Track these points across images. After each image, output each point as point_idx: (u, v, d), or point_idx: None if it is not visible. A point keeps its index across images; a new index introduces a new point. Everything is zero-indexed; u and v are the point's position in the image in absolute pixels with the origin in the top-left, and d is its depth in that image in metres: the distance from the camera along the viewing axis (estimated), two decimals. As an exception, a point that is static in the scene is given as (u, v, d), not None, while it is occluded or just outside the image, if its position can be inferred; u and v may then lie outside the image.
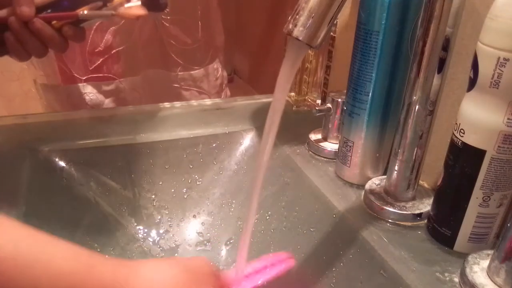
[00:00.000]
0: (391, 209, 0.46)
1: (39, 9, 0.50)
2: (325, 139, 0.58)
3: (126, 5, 0.52)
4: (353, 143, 0.51)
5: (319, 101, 0.68)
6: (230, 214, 0.60)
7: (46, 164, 0.56)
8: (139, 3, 0.52)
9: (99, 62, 0.75)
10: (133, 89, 0.80)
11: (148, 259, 0.33)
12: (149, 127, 0.64)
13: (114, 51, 0.75)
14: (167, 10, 0.74)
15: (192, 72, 0.84)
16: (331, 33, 0.63)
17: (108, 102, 0.78)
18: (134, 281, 0.30)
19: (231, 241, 0.58)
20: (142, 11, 0.52)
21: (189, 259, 0.35)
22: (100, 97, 0.78)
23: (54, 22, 0.51)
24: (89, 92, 0.77)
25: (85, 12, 0.51)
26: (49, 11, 0.51)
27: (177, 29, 0.79)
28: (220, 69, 0.90)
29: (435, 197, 0.43)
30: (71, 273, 0.28)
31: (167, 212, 0.60)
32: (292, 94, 0.69)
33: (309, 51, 0.65)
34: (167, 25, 0.78)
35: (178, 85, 0.84)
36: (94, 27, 0.71)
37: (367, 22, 0.45)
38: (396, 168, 0.46)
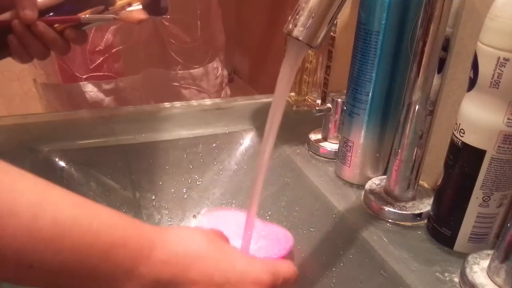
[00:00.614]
0: (391, 209, 0.46)
1: (42, 13, 0.50)
2: (325, 139, 0.58)
3: (128, 9, 0.52)
4: (353, 143, 0.51)
5: (319, 101, 0.68)
6: (230, 214, 0.60)
7: (46, 164, 0.56)
8: (141, 7, 0.53)
9: (99, 61, 0.75)
10: (133, 88, 0.80)
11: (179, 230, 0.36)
12: (149, 127, 0.64)
13: (114, 50, 0.75)
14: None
15: (191, 71, 0.84)
16: (331, 33, 0.63)
17: (108, 101, 0.78)
18: (168, 238, 0.33)
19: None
20: (143, 15, 0.52)
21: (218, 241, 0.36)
22: (100, 95, 0.78)
23: (56, 25, 0.51)
24: (90, 90, 0.77)
25: (87, 16, 0.51)
26: (51, 14, 0.51)
27: (177, 28, 0.79)
28: (220, 68, 0.90)
29: (435, 197, 0.43)
30: (118, 227, 0.31)
31: (167, 212, 0.60)
32: (292, 94, 0.69)
33: (309, 51, 0.65)
34: (167, 24, 0.78)
35: (178, 84, 0.84)
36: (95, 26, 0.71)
37: (367, 22, 0.45)
38: (396, 168, 0.46)
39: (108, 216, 0.31)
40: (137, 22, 0.53)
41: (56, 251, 0.27)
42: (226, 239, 0.38)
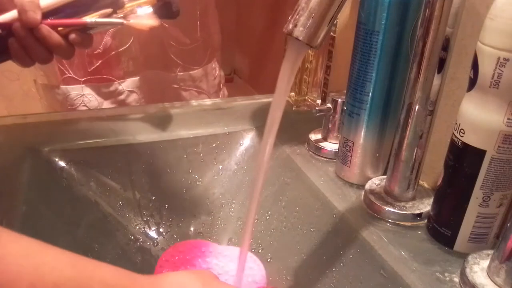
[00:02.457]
0: (391, 209, 0.46)
1: (45, 15, 0.47)
2: (325, 139, 0.58)
3: (138, 13, 0.50)
4: (353, 143, 0.51)
5: (319, 101, 0.68)
6: (230, 214, 0.60)
7: (46, 164, 0.56)
8: (151, 10, 0.50)
9: (98, 63, 0.75)
10: (132, 91, 0.80)
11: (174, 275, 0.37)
12: (149, 127, 0.64)
13: (113, 52, 0.75)
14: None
15: (191, 72, 0.84)
16: (331, 33, 0.63)
17: (107, 104, 0.78)
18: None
19: (231, 241, 0.58)
20: (154, 21, 0.50)
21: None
22: (99, 99, 0.78)
23: (60, 28, 0.48)
24: (88, 94, 0.77)
25: (94, 20, 0.48)
26: (53, 17, 0.48)
27: (176, 30, 0.79)
28: (217, 69, 0.90)
29: (435, 197, 0.43)
30: (117, 284, 0.31)
31: (167, 212, 0.60)
32: (292, 94, 0.69)
33: (309, 51, 0.65)
34: (166, 25, 0.78)
35: (178, 86, 0.84)
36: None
37: (367, 22, 0.45)
38: (396, 168, 0.46)
39: (105, 272, 0.31)
40: (148, 29, 0.50)
41: None
42: (216, 278, 0.38)
